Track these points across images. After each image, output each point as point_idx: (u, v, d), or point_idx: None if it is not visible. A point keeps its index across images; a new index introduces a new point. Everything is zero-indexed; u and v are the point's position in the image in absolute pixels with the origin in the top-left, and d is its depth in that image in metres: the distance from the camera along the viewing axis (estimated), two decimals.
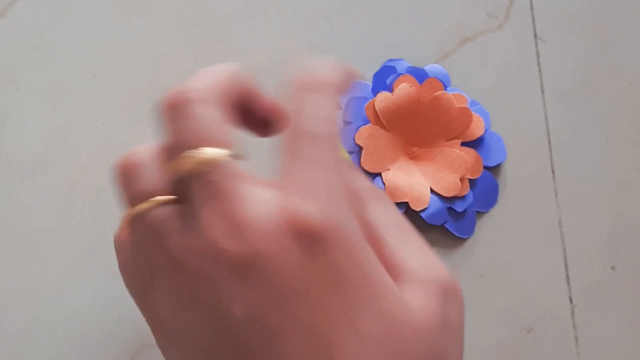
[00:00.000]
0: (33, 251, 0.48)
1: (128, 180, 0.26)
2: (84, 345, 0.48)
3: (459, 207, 0.49)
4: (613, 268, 0.51)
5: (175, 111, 0.25)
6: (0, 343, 0.47)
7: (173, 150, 0.25)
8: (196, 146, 0.24)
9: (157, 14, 0.51)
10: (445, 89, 0.50)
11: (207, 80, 0.26)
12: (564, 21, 0.53)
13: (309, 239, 0.22)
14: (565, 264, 0.51)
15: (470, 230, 0.50)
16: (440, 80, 0.50)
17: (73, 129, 0.49)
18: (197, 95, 0.25)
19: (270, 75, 0.51)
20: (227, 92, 0.27)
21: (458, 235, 0.50)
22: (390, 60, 0.51)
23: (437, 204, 0.49)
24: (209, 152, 0.24)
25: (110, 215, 0.49)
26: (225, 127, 0.25)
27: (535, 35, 0.53)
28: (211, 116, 0.25)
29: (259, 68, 0.51)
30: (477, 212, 0.51)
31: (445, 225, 0.49)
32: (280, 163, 0.27)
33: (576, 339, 0.50)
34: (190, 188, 0.24)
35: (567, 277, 0.51)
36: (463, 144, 0.50)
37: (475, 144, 0.50)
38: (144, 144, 0.29)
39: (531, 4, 0.53)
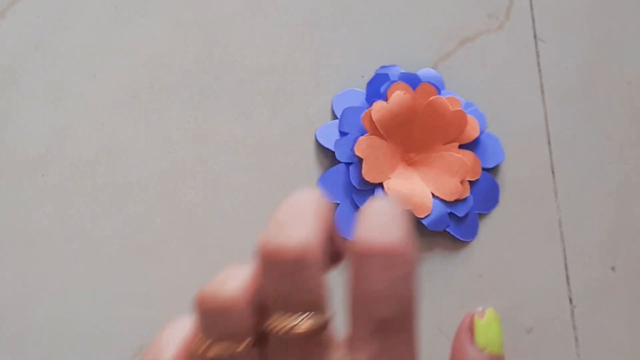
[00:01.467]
0: (33, 251, 0.48)
1: (216, 318, 0.26)
2: (84, 345, 0.48)
3: (460, 211, 0.49)
4: (613, 268, 0.51)
5: (289, 268, 0.25)
6: (0, 343, 0.48)
7: (285, 306, 0.25)
8: (309, 309, 0.25)
9: (157, 14, 0.51)
10: (439, 93, 0.50)
11: (309, 224, 0.26)
12: (564, 22, 0.53)
13: None
14: (565, 265, 0.51)
15: (473, 233, 0.50)
16: (434, 84, 0.50)
17: (73, 129, 0.49)
18: (311, 251, 0.25)
19: (269, 76, 0.51)
20: (325, 236, 0.27)
21: (462, 239, 0.50)
22: (382, 67, 0.51)
23: (440, 209, 0.49)
24: (319, 318, 0.25)
25: (110, 215, 0.49)
26: (326, 288, 0.26)
27: (535, 36, 0.53)
28: (321, 276, 0.25)
29: (259, 69, 0.51)
30: (479, 214, 0.51)
31: (447, 230, 0.49)
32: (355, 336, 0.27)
33: (576, 339, 0.51)
34: (292, 349, 0.25)
35: (567, 277, 0.51)
36: (460, 146, 0.50)
37: (472, 146, 0.50)
38: (227, 274, 0.28)
39: (531, 5, 0.53)
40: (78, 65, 0.50)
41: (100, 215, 0.49)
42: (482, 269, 0.51)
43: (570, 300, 0.51)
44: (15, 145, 0.49)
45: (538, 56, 0.53)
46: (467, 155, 0.49)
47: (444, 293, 0.50)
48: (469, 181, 0.50)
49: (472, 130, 0.50)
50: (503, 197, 0.51)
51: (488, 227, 0.51)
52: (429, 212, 0.49)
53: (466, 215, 0.50)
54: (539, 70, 0.52)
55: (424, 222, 0.49)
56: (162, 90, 0.50)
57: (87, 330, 0.48)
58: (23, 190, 0.49)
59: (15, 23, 0.50)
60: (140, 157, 0.49)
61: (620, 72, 0.53)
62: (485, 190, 0.50)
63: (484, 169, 0.50)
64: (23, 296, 0.48)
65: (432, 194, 0.49)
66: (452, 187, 0.49)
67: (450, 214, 0.49)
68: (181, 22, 0.51)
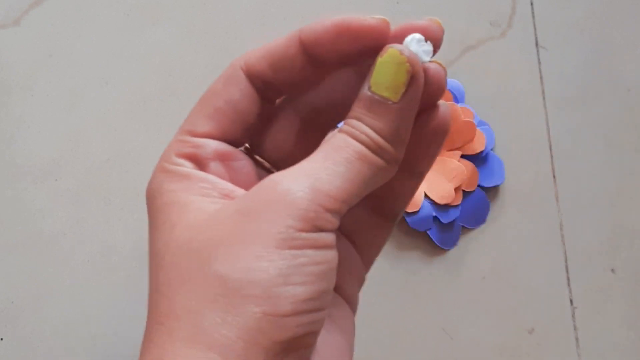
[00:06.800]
0: (46, 254, 0.49)
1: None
2: (96, 346, 0.48)
3: (444, 219, 0.50)
4: (613, 270, 0.51)
5: None
6: (14, 343, 0.48)
7: None
8: None
9: (168, 22, 0.51)
10: (456, 102, 0.50)
11: None
12: (565, 29, 0.53)
13: None
14: (566, 267, 0.51)
15: (452, 243, 0.51)
16: (454, 93, 0.50)
17: (85, 134, 0.50)
18: None
19: None
20: None
21: (439, 245, 0.50)
22: None
23: (427, 210, 0.50)
24: None
25: (122, 219, 0.49)
26: None
27: (536, 43, 0.53)
28: None
29: None
30: (463, 226, 0.51)
31: (428, 232, 0.50)
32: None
33: (577, 339, 0.51)
34: None
35: (568, 279, 0.51)
36: (463, 156, 0.50)
37: (475, 160, 0.51)
38: None
39: (533, 13, 0.53)
40: (91, 72, 0.50)
41: (112, 219, 0.49)
42: (484, 271, 0.51)
43: (571, 301, 0.51)
44: (30, 150, 0.49)
45: (540, 63, 0.53)
46: (467, 166, 0.50)
47: (447, 294, 0.51)
48: (463, 192, 0.50)
49: (478, 145, 0.50)
50: (505, 200, 0.51)
51: (490, 229, 0.51)
52: (417, 209, 0.49)
53: (451, 223, 0.50)
54: (541, 77, 0.53)
55: (408, 220, 0.49)
56: (173, 96, 0.50)
57: (99, 332, 0.48)
58: (37, 194, 0.49)
59: (30, 31, 0.50)
60: (151, 162, 0.49)
61: (620, 79, 0.53)
62: (475, 206, 0.51)
63: (480, 186, 0.51)
64: (36, 298, 0.48)
65: (425, 194, 0.50)
66: (445, 192, 0.49)
67: (435, 218, 0.50)
68: (191, 30, 0.51)
